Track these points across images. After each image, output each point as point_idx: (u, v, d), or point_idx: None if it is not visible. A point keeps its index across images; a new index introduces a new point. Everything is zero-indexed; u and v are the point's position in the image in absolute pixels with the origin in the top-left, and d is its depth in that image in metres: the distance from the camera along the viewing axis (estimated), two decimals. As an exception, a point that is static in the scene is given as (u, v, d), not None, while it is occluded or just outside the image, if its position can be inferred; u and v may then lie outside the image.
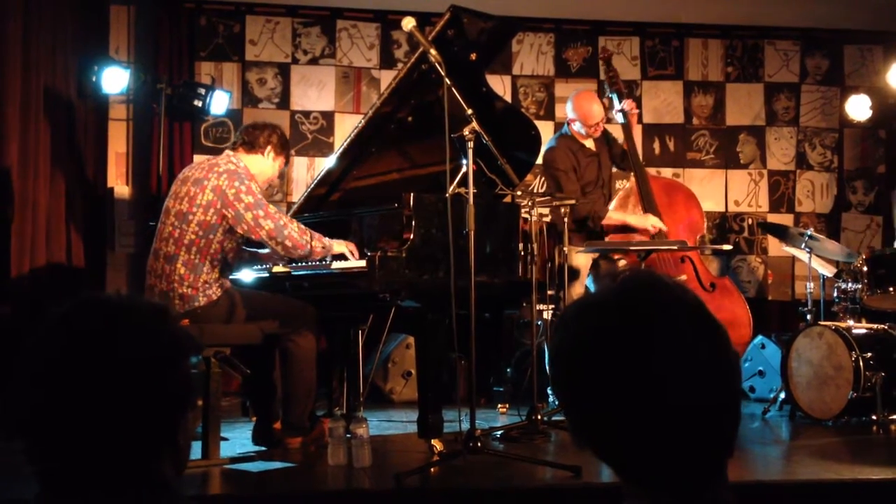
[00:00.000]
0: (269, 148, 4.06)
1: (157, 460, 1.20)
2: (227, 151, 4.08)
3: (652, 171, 5.79)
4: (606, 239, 5.17)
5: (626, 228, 5.20)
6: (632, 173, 5.38)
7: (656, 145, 7.04)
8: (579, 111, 5.13)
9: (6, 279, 4.90)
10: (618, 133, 5.47)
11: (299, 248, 3.87)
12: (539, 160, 4.89)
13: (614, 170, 5.54)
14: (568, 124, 5.23)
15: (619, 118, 5.39)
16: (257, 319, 3.93)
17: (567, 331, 1.13)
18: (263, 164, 4.08)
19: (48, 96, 5.40)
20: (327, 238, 3.97)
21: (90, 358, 1.15)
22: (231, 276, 4.26)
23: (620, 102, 5.39)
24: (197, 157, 6.51)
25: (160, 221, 3.99)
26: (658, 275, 1.15)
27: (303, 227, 3.92)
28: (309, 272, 4.12)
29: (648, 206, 5.24)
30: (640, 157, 5.47)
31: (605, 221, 5.13)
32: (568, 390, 1.13)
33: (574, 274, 5.06)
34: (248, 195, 3.85)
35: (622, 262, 5.29)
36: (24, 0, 5.15)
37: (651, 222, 5.14)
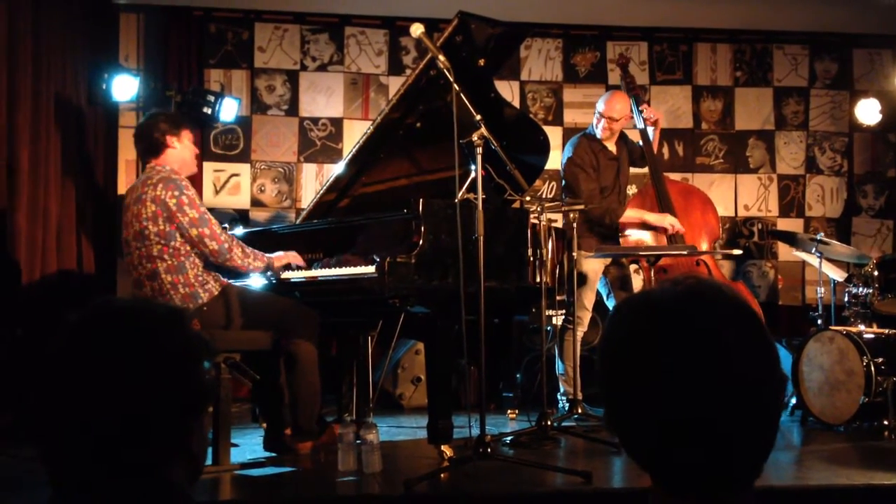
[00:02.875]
0: (167, 137, 4.02)
1: (171, 465, 1.20)
2: (148, 166, 4.06)
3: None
4: (621, 236, 5.17)
5: (642, 226, 5.21)
6: (647, 178, 5.38)
7: (665, 150, 7.02)
8: (607, 103, 5.19)
9: (17, 286, 4.91)
10: (635, 137, 5.49)
11: (240, 269, 4.01)
12: (548, 165, 4.89)
13: (632, 170, 5.56)
14: (593, 124, 5.26)
15: (639, 123, 5.40)
16: (258, 320, 3.95)
17: (619, 323, 1.14)
18: (178, 153, 4.07)
19: (58, 104, 5.42)
20: (268, 256, 4.07)
21: (105, 363, 1.16)
22: (240, 282, 4.28)
23: (638, 107, 5.41)
24: (206, 164, 6.55)
25: (125, 255, 4.02)
26: (719, 285, 1.15)
27: (246, 250, 4.01)
28: (319, 278, 4.12)
29: (665, 207, 5.24)
30: (657, 161, 5.48)
31: (622, 219, 5.14)
32: (610, 381, 1.14)
33: (583, 279, 5.06)
34: (192, 209, 3.88)
35: (633, 267, 5.29)
36: (34, 8, 5.18)
37: (669, 221, 5.15)
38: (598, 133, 5.22)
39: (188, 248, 3.90)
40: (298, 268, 4.20)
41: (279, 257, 4.13)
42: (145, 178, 3.97)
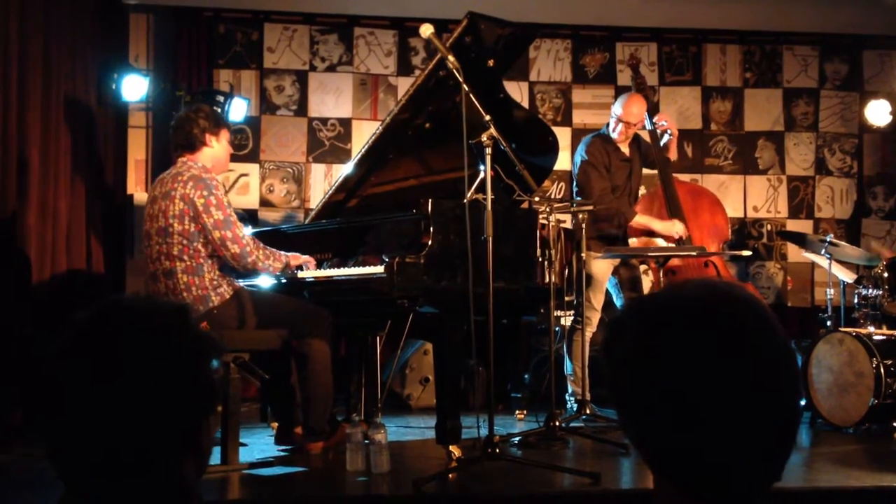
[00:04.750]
0: (206, 136, 4.01)
1: (180, 463, 1.21)
2: (180, 159, 4.03)
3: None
4: (630, 241, 5.17)
5: (650, 233, 5.20)
6: (658, 180, 5.36)
7: (672, 154, 7.00)
8: (625, 107, 5.18)
9: (27, 285, 4.93)
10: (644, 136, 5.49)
11: (259, 270, 4.01)
12: (557, 166, 4.89)
13: (644, 171, 5.55)
14: (608, 125, 5.26)
15: (648, 124, 5.39)
16: (270, 321, 3.95)
17: (636, 322, 1.13)
18: (213, 153, 4.06)
19: (68, 104, 5.44)
20: (284, 255, 4.07)
21: (111, 360, 1.16)
22: (249, 282, 4.29)
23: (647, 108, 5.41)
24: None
25: (145, 247, 4.01)
26: (738, 287, 1.14)
27: (266, 251, 4.00)
28: (328, 278, 4.12)
29: (674, 211, 5.23)
30: (669, 163, 5.46)
31: (631, 224, 5.13)
32: (622, 379, 1.12)
33: (591, 280, 5.06)
34: (218, 210, 3.86)
35: (643, 267, 5.28)
36: (44, 9, 5.19)
37: (676, 229, 5.14)
38: (614, 135, 5.21)
39: (209, 249, 3.90)
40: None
41: (295, 256, 4.13)
42: (176, 174, 3.94)
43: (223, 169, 4.18)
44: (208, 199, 3.85)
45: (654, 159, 5.43)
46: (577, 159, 5.27)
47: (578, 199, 5.15)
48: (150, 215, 3.96)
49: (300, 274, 4.15)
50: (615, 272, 5.24)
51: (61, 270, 5.24)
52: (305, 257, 4.17)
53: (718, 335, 1.07)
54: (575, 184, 5.35)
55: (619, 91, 6.86)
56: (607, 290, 5.24)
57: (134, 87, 5.92)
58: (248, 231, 4.56)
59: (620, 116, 5.16)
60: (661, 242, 5.17)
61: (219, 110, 6.07)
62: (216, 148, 4.06)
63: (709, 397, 1.05)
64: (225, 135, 4.11)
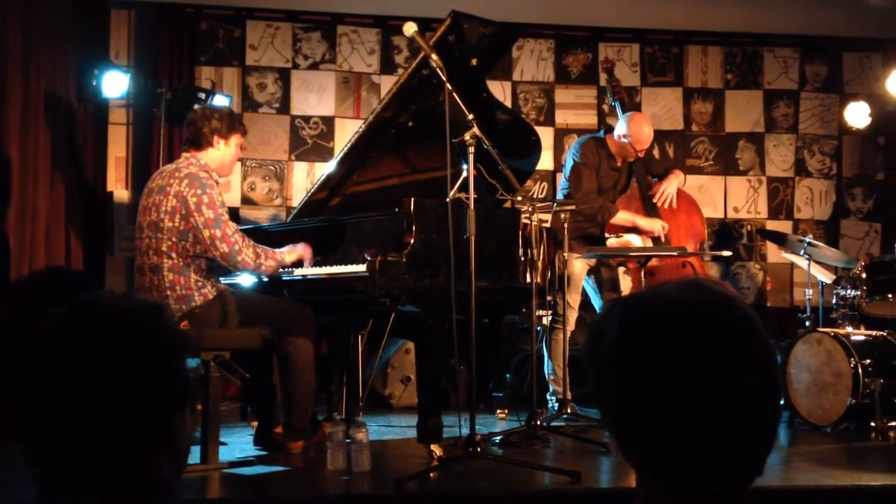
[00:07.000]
0: (215, 137, 4.01)
1: (156, 461, 1.20)
2: (184, 154, 4.06)
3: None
4: (615, 236, 5.18)
5: (629, 231, 5.22)
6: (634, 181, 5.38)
7: (655, 152, 7.03)
8: (634, 130, 5.17)
9: (5, 282, 4.89)
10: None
11: (250, 269, 3.96)
12: (540, 165, 4.89)
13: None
14: (610, 133, 5.27)
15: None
16: (253, 321, 3.93)
17: (609, 330, 1.13)
18: (219, 154, 4.06)
19: (48, 100, 5.39)
20: (279, 252, 4.04)
21: (86, 358, 1.16)
22: (230, 281, 4.27)
23: (623, 111, 5.41)
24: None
25: (136, 238, 3.99)
26: (713, 285, 1.14)
27: (258, 249, 3.95)
28: (309, 277, 4.11)
29: (651, 212, 5.25)
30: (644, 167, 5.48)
31: (613, 220, 5.15)
32: (603, 386, 1.13)
33: (568, 279, 5.07)
34: (209, 209, 3.84)
35: (622, 269, 5.30)
36: (24, 5, 5.15)
37: (660, 226, 5.16)
38: (624, 141, 5.20)
39: (197, 249, 3.88)
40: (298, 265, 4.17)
41: (289, 251, 4.10)
42: (175, 169, 3.95)
43: (226, 173, 4.17)
44: (200, 198, 3.83)
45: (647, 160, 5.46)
46: (569, 159, 5.27)
47: (561, 198, 5.16)
48: (145, 207, 3.94)
49: (297, 272, 4.11)
50: (594, 272, 5.26)
51: (40, 268, 5.20)
52: (300, 249, 4.13)
53: (701, 334, 1.07)
54: (564, 181, 5.36)
55: (602, 91, 6.89)
56: (584, 290, 5.26)
57: (114, 84, 5.88)
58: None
59: (633, 144, 5.15)
60: (637, 242, 5.19)
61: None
62: (222, 151, 4.06)
63: (691, 395, 1.05)
64: (236, 139, 4.10)
